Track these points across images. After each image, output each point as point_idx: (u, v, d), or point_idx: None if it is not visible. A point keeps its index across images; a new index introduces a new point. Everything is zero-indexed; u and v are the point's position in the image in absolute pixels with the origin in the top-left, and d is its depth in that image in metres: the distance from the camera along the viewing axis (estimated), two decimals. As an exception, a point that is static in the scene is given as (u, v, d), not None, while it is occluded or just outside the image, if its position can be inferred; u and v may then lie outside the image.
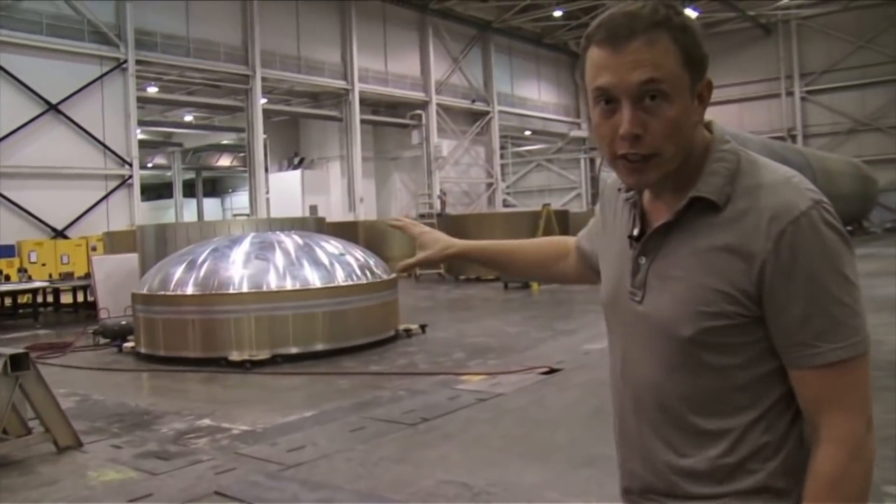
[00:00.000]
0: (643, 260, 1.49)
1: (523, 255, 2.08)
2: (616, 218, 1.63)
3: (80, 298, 16.20)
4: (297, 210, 26.61)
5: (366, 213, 27.97)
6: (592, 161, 41.18)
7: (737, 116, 34.49)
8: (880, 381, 7.03)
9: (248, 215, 26.21)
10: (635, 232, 1.53)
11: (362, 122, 28.12)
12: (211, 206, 45.36)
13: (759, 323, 1.37)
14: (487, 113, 34.28)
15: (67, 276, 16.96)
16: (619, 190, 1.60)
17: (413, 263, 2.08)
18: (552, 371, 8.38)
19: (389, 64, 29.50)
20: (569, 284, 1.71)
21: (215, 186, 47.48)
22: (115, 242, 16.82)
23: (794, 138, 35.09)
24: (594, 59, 1.40)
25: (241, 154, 31.24)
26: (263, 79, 24.39)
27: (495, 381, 8.00)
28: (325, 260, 10.65)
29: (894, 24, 33.49)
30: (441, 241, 2.05)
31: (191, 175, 40.57)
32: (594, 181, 40.61)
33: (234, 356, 9.59)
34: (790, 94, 36.18)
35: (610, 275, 1.61)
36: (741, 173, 1.41)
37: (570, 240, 1.99)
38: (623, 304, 1.54)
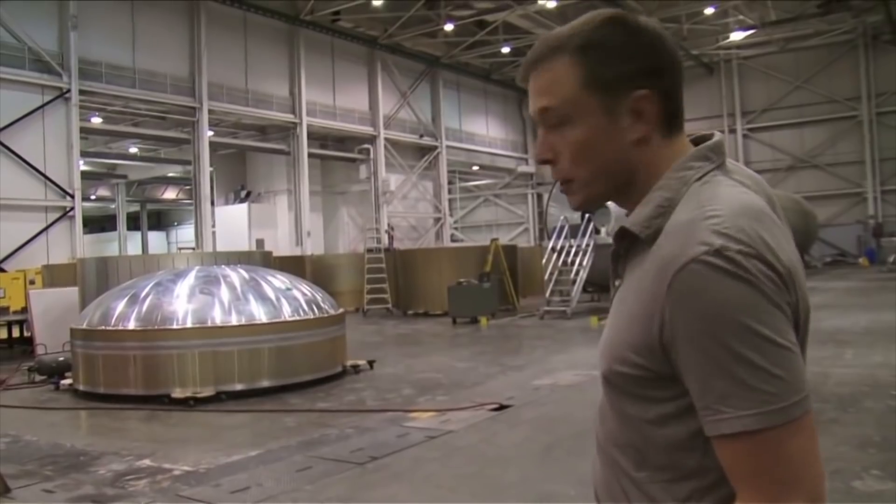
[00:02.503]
0: (617, 283, 1.40)
1: None
2: None
3: (16, 334, 15.70)
4: (244, 244, 26.32)
5: (313, 247, 27.74)
6: (540, 196, 41.53)
7: (681, 153, 35.17)
8: (827, 414, 7.10)
9: (193, 249, 25.80)
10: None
11: (310, 155, 27.98)
12: (155, 239, 44.65)
13: (674, 382, 1.21)
14: (435, 148, 34.42)
15: (3, 310, 16.45)
16: None
17: None
18: (502, 407, 8.31)
19: (338, 98, 29.48)
20: None
21: (160, 219, 46.78)
22: (55, 276, 16.40)
23: (736, 174, 35.77)
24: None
25: (187, 187, 30.89)
26: (211, 111, 24.16)
27: (445, 418, 7.90)
28: (272, 295, 10.48)
29: (828, 67, 34.63)
30: None
31: (135, 207, 39.93)
32: (541, 216, 40.91)
33: (177, 393, 9.34)
34: (733, 131, 37.04)
35: None
36: (680, 205, 1.26)
37: None
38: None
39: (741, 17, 31.08)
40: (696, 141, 1.39)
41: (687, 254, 1.15)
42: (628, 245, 1.34)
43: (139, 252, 34.12)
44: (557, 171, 1.36)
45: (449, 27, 29.80)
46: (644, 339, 1.22)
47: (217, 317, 9.88)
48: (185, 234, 44.26)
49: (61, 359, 11.45)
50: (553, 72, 1.32)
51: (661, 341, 1.19)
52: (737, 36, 32.06)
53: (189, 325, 9.77)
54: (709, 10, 29.70)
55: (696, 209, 1.21)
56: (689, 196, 1.26)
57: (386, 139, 31.27)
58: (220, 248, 23.52)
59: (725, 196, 1.23)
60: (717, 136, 1.39)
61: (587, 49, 1.30)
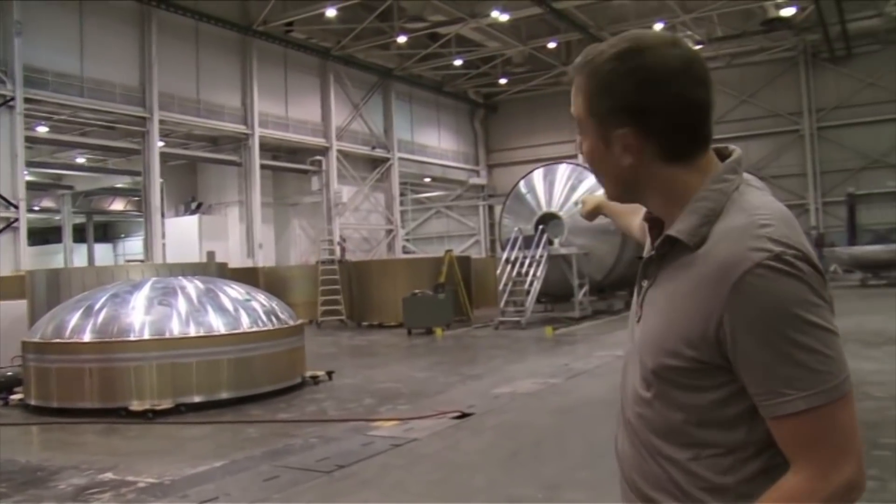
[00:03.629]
0: (644, 283, 1.56)
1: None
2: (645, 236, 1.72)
3: (-39, 348, 15.27)
4: (194, 256, 26.00)
5: (264, 259, 27.52)
6: (491, 208, 41.77)
7: (630, 165, 35.67)
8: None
9: (142, 261, 25.41)
10: (644, 255, 1.61)
11: (262, 167, 27.78)
12: (102, 251, 43.77)
13: (722, 370, 1.37)
14: (388, 160, 34.43)
15: (-54, 324, 16.00)
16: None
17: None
18: (464, 415, 8.35)
19: (290, 109, 29.35)
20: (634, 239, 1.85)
21: (107, 231, 45.90)
22: (0, 288, 16.01)
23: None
24: None
25: (136, 198, 30.36)
26: (161, 121, 23.85)
27: (408, 427, 7.91)
28: (230, 306, 10.41)
29: (771, 82, 35.49)
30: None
31: (81, 219, 39.11)
32: (493, 228, 41.17)
33: (136, 405, 9.22)
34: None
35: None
36: (723, 215, 1.41)
37: None
38: (632, 319, 1.61)
39: (689, 32, 31.66)
40: (716, 152, 1.52)
41: (751, 258, 1.32)
42: (667, 250, 1.47)
43: (85, 264, 33.41)
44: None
45: (402, 39, 29.88)
46: (700, 333, 1.36)
47: (175, 328, 9.79)
48: (132, 246, 43.46)
49: (10, 373, 11.19)
50: (577, 88, 1.51)
51: (716, 335, 1.35)
52: (684, 51, 32.63)
53: (147, 336, 9.66)
54: (658, 26, 30.22)
55: (746, 217, 1.38)
56: (732, 205, 1.42)
57: (338, 151, 31.20)
58: (170, 260, 23.18)
59: (767, 205, 1.41)
60: (736, 150, 1.53)
61: (591, 78, 1.47)
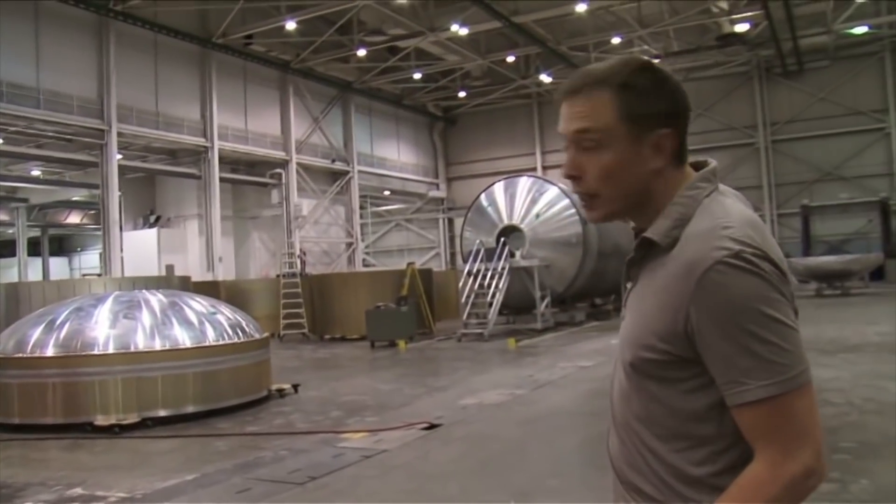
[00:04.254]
0: (628, 285, 1.69)
1: None
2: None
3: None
4: (153, 269, 25.74)
5: (224, 272, 27.31)
6: (451, 221, 41.92)
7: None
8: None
9: (99, 275, 25.09)
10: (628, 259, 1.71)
11: (221, 180, 27.61)
12: (57, 265, 43.08)
13: (693, 363, 1.48)
14: (347, 172, 34.43)
15: None
16: None
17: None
18: (432, 426, 8.41)
19: (250, 122, 29.24)
20: None
21: (62, 245, 45.20)
22: (-44, 303, 15.72)
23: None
24: (560, 109, 1.63)
25: (93, 211, 30.00)
26: (120, 134, 23.62)
27: (377, 438, 7.95)
28: (195, 319, 10.35)
29: (727, 96, 36.22)
30: None
31: (36, 232, 38.47)
32: (453, 241, 41.30)
33: (101, 420, 9.10)
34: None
35: None
36: (693, 218, 1.54)
37: None
38: (621, 321, 1.73)
39: (646, 46, 32.25)
40: (694, 165, 1.66)
41: (712, 256, 1.43)
42: (645, 253, 1.60)
43: (39, 278, 32.86)
44: (583, 186, 1.60)
45: (361, 53, 29.99)
46: (670, 328, 1.48)
47: (140, 342, 9.70)
48: (89, 259, 42.89)
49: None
50: (594, 101, 1.56)
51: (685, 328, 1.46)
52: (641, 65, 33.15)
53: (111, 350, 9.54)
54: (615, 40, 30.73)
55: (712, 220, 1.50)
56: (702, 211, 1.54)
57: (298, 164, 31.14)
58: (128, 274, 22.91)
59: (732, 210, 1.53)
60: (713, 162, 1.66)
61: (626, 88, 1.55)
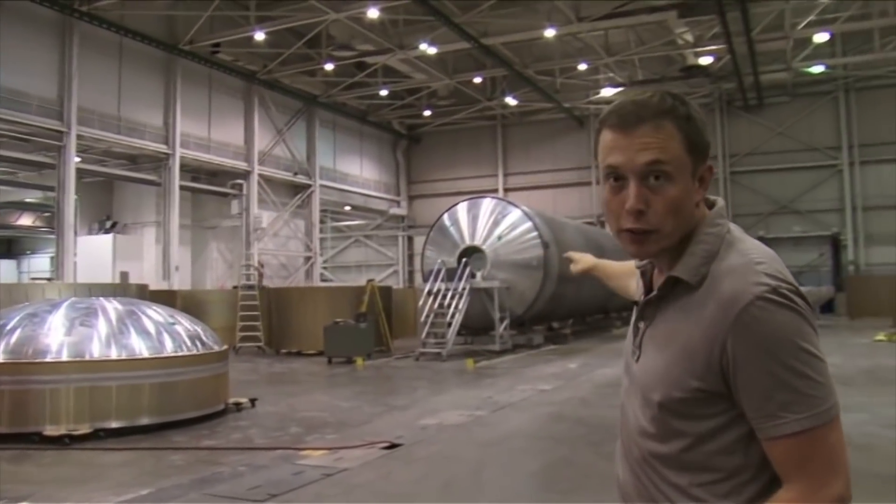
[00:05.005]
0: (641, 325, 1.66)
1: (619, 269, 2.46)
2: (637, 284, 1.76)
3: None
4: (107, 276, 25.21)
5: (180, 282, 26.89)
6: (411, 239, 41.84)
7: (551, 201, 36.25)
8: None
9: (49, 279, 24.53)
10: (640, 299, 1.70)
11: (181, 188, 27.18)
12: (5, 267, 42.10)
13: (723, 398, 1.49)
14: (309, 186, 34.18)
15: None
16: None
17: (572, 267, 2.75)
18: (393, 446, 8.32)
19: (213, 131, 28.91)
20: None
21: (11, 247, 44.20)
22: None
23: (603, 224, 37.18)
24: (606, 140, 1.57)
25: (46, 214, 29.35)
26: (79, 136, 23.12)
27: (338, 456, 7.84)
28: (152, 329, 10.15)
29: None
30: (584, 260, 2.70)
31: (-17, 234, 37.64)
32: (412, 259, 41.21)
33: (50, 431, 8.84)
34: (599, 182, 38.31)
35: (629, 332, 1.76)
36: (719, 255, 1.54)
37: None
38: (629, 360, 1.71)
39: (611, 74, 32.62)
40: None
41: (752, 291, 1.44)
42: (667, 292, 1.59)
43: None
44: (644, 221, 1.54)
45: (329, 67, 29.87)
46: (704, 365, 1.48)
47: (95, 350, 9.47)
48: (39, 263, 41.97)
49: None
50: (664, 132, 1.53)
51: (720, 364, 1.46)
52: (606, 92, 33.54)
53: (65, 358, 9.30)
54: (581, 67, 31.03)
55: (743, 257, 1.52)
56: (727, 247, 1.56)
57: (260, 175, 30.83)
58: (81, 280, 22.42)
59: (757, 246, 1.57)
60: (719, 199, 1.67)
61: (690, 119, 1.54)
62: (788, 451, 1.43)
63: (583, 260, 2.68)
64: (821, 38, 28.40)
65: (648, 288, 1.70)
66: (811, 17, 26.98)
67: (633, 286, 2.15)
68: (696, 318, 1.50)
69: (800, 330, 1.44)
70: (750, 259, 1.52)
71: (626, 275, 2.36)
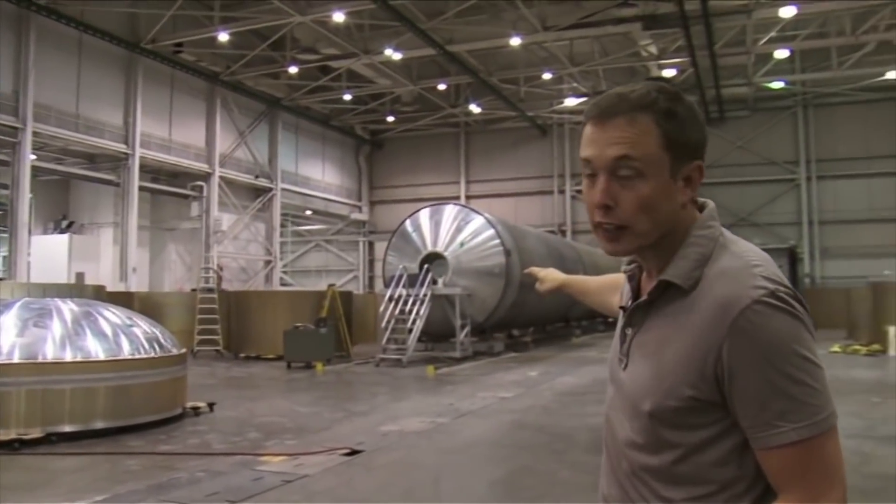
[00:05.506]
0: (629, 331, 1.59)
1: (595, 285, 2.39)
2: (623, 289, 1.73)
3: None
4: (62, 276, 24.70)
5: (137, 284, 26.46)
6: (371, 244, 41.68)
7: (512, 209, 36.32)
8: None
9: (1, 279, 23.95)
10: (627, 304, 1.63)
11: (140, 189, 26.76)
12: (-47, 267, 41.10)
13: (716, 407, 1.42)
14: (270, 190, 33.89)
15: None
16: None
17: (538, 286, 2.65)
18: (354, 452, 8.23)
19: (174, 132, 28.52)
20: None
21: (-40, 246, 43.19)
22: None
23: (564, 233, 37.41)
24: (585, 132, 1.52)
25: (0, 212, 28.65)
26: (35, 133, 22.65)
27: (298, 463, 7.72)
28: (109, 330, 9.93)
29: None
30: (551, 276, 2.60)
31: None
32: (372, 264, 41.05)
33: (0, 435, 8.59)
34: (562, 191, 38.69)
35: (614, 339, 1.69)
36: (712, 258, 1.48)
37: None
38: (615, 368, 1.63)
39: (575, 84, 32.82)
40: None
41: (749, 295, 1.38)
42: (657, 296, 1.53)
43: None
44: (614, 217, 1.48)
45: (293, 70, 29.67)
46: (699, 372, 1.41)
47: (49, 352, 9.23)
48: (-11, 262, 41.07)
49: None
50: (638, 127, 1.46)
51: (714, 371, 1.40)
52: (570, 102, 33.77)
53: (16, 360, 9.05)
54: (546, 76, 31.18)
55: (739, 259, 1.46)
56: (720, 250, 1.49)
57: (221, 177, 30.48)
58: (35, 280, 21.95)
59: (752, 249, 1.50)
60: (709, 201, 1.61)
61: (670, 115, 1.47)
62: (785, 461, 1.37)
63: (549, 277, 2.59)
64: (781, 54, 28.88)
65: (636, 293, 1.64)
66: (772, 34, 27.42)
67: (614, 301, 2.09)
68: (689, 323, 1.44)
69: (798, 336, 1.38)
70: (746, 261, 1.46)
71: (604, 290, 2.29)
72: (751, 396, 1.37)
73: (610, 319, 2.43)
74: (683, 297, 1.47)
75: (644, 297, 1.56)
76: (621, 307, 1.66)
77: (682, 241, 1.51)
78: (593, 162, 1.49)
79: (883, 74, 30.25)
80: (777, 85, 32.50)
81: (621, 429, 1.57)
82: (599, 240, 1.53)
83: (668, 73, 30.37)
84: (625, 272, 1.69)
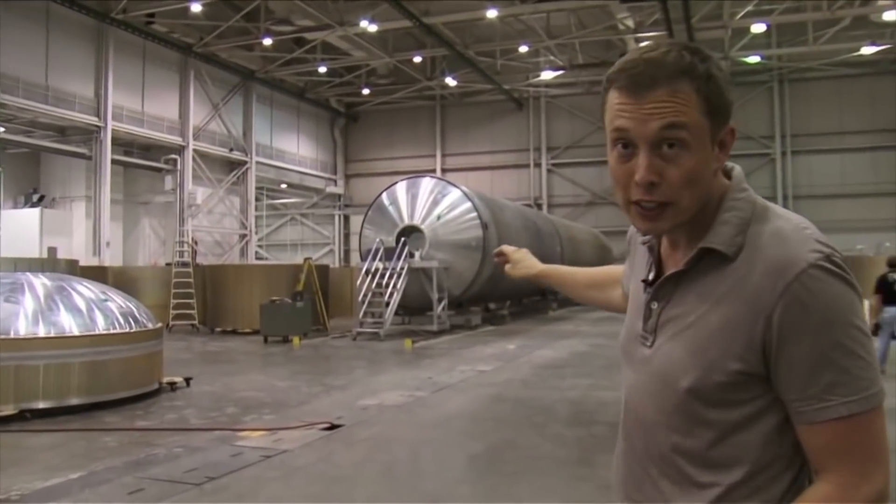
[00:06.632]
0: (655, 305, 1.49)
1: (586, 279, 2.19)
2: (637, 261, 1.63)
3: None
4: (34, 251, 24.33)
5: (111, 258, 26.16)
6: (347, 218, 41.50)
7: (488, 183, 36.23)
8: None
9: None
10: (650, 277, 1.53)
11: (113, 162, 26.37)
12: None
13: (760, 381, 1.34)
14: (245, 163, 33.56)
15: None
16: (638, 232, 1.60)
17: (506, 267, 2.36)
18: (333, 427, 8.18)
19: (147, 104, 28.09)
20: (620, 312, 1.70)
21: (-71, 220, 42.50)
22: None
23: (540, 206, 37.43)
24: (614, 102, 1.39)
25: (-32, 186, 28.15)
26: (2, 105, 22.20)
27: (277, 437, 7.67)
28: (83, 305, 9.79)
29: (625, 112, 37.14)
30: (525, 262, 2.32)
31: None
32: (348, 238, 40.89)
33: (-28, 411, 8.47)
34: (538, 164, 38.69)
35: (629, 316, 1.59)
36: (754, 222, 1.39)
37: (620, 270, 1.99)
38: (634, 347, 1.53)
39: (552, 57, 32.69)
40: None
41: (805, 259, 1.30)
42: (692, 266, 1.42)
43: None
44: (658, 194, 1.37)
45: (267, 41, 29.28)
46: (747, 342, 1.33)
47: (21, 328, 9.09)
48: (-42, 237, 40.43)
49: None
50: (681, 96, 1.34)
51: (762, 340, 1.31)
52: (547, 75, 33.65)
53: (-12, 335, 8.91)
54: (523, 49, 31.02)
55: (786, 221, 1.38)
56: (762, 212, 1.40)
57: (195, 150, 30.13)
58: (5, 255, 21.61)
59: (790, 212, 1.42)
60: (735, 165, 1.50)
61: (710, 79, 1.36)
62: (831, 438, 1.29)
63: (523, 262, 2.32)
64: (758, 28, 28.90)
65: (657, 264, 1.53)
66: (749, 8, 27.42)
67: (614, 296, 2.01)
68: (733, 291, 1.35)
69: (853, 305, 1.30)
70: (797, 224, 1.37)
71: (599, 285, 2.13)
72: (800, 367, 1.29)
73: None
74: (725, 264, 1.38)
75: (679, 268, 1.45)
76: (644, 281, 1.54)
77: (716, 206, 1.42)
78: (630, 134, 1.36)
79: (858, 50, 30.43)
80: (753, 59, 32.56)
81: (650, 411, 1.47)
82: (633, 218, 1.42)
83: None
84: (644, 244, 1.58)
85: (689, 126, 1.34)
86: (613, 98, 1.40)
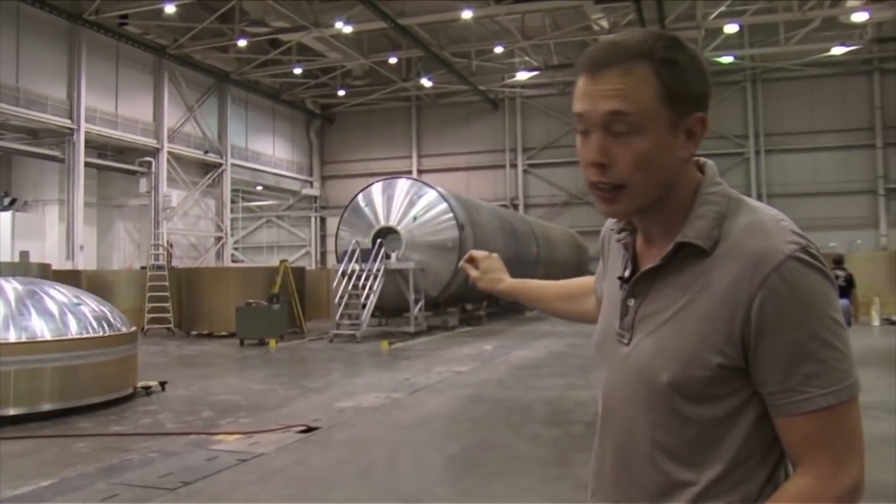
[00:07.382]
0: (631, 302, 1.48)
1: (556, 291, 2.13)
2: (611, 259, 1.63)
3: None
4: (5, 256, 24.02)
5: (85, 262, 25.90)
6: (323, 220, 41.36)
7: (464, 184, 36.20)
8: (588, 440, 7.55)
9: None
10: (626, 273, 1.52)
11: (87, 165, 26.12)
12: None
13: (740, 375, 1.34)
14: (220, 165, 33.35)
15: None
16: (612, 230, 1.59)
17: (472, 275, 2.21)
18: (310, 429, 8.15)
19: (120, 106, 27.85)
20: (593, 323, 1.67)
21: None
22: None
23: (516, 207, 37.48)
24: (577, 85, 1.41)
25: (-62, 190, 27.79)
26: (-28, 107, 22.00)
27: (253, 441, 7.63)
28: (56, 310, 9.68)
29: (599, 112, 37.32)
30: (492, 275, 2.19)
31: None
32: (324, 240, 40.75)
33: (-59, 418, 8.35)
34: (514, 165, 38.73)
35: (603, 316, 1.59)
36: (729, 215, 1.39)
37: (591, 280, 1.98)
38: (610, 345, 1.52)
39: (527, 58, 32.78)
40: None
41: (782, 250, 1.30)
42: (669, 260, 1.42)
43: None
44: (610, 175, 1.37)
45: (242, 43, 29.13)
46: (726, 335, 1.33)
47: (-8, 332, 8.97)
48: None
49: None
50: (633, 78, 1.34)
51: (741, 332, 1.32)
52: (522, 75, 33.72)
53: (-42, 341, 8.79)
54: (498, 49, 31.07)
55: (762, 213, 1.38)
56: (736, 206, 1.41)
57: (169, 153, 29.90)
58: (-24, 259, 21.34)
59: (764, 204, 1.43)
60: (708, 160, 1.50)
61: (669, 64, 1.35)
62: (809, 429, 1.30)
63: (490, 273, 2.19)
64: (731, 29, 29.11)
65: (633, 261, 1.53)
66: (722, 9, 27.61)
67: (586, 306, 1.99)
68: (711, 284, 1.35)
69: (830, 297, 1.31)
70: (772, 216, 1.38)
71: (569, 296, 2.09)
72: (778, 359, 1.30)
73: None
74: (701, 258, 1.37)
75: (655, 263, 1.44)
76: (620, 278, 1.53)
77: (690, 200, 1.42)
78: (585, 117, 1.38)
79: (828, 50, 30.73)
80: (727, 59, 32.76)
81: (628, 409, 1.47)
82: (595, 200, 1.43)
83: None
84: (619, 241, 1.57)
85: (640, 110, 1.34)
86: (578, 82, 1.41)
